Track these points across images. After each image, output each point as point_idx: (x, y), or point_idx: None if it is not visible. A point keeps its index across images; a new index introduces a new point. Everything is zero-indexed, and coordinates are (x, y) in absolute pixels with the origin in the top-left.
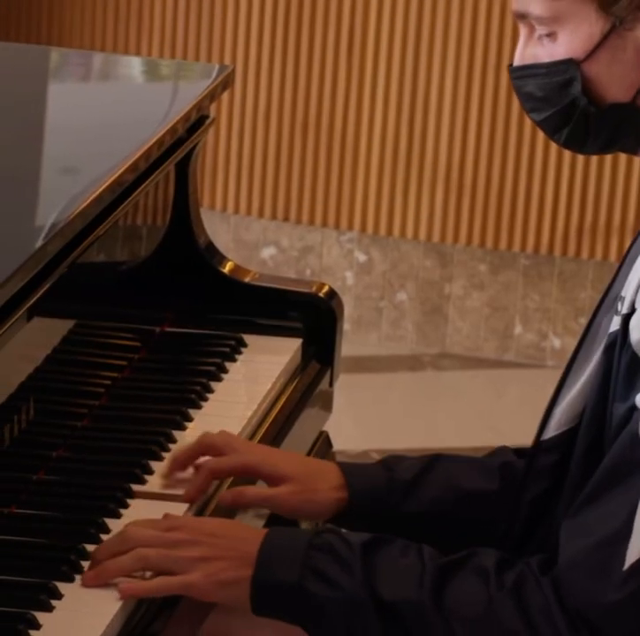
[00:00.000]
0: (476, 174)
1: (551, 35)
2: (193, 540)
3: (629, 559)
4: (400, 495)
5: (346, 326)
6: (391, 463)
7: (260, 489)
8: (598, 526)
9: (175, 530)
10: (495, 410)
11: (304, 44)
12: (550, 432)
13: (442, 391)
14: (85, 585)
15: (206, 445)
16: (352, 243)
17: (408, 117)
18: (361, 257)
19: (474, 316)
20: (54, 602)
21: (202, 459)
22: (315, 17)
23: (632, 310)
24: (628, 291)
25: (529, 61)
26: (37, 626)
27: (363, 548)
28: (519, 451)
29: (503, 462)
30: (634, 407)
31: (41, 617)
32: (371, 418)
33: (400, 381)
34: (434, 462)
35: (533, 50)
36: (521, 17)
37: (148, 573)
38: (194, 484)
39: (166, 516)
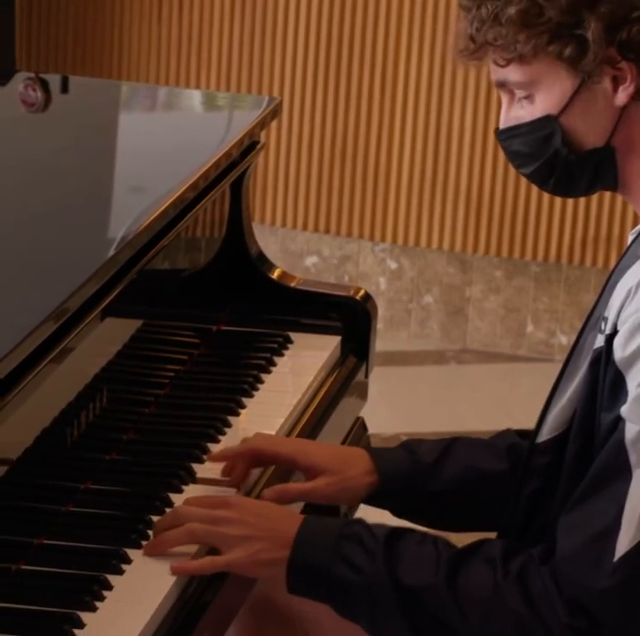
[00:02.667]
0: (492, 193)
1: (528, 97)
2: (238, 518)
3: (619, 551)
4: (424, 475)
5: (380, 325)
6: (412, 446)
7: (300, 485)
8: (590, 523)
9: (223, 508)
10: (509, 398)
11: (343, 79)
12: (543, 436)
13: (463, 382)
14: (144, 554)
15: (251, 449)
16: (384, 252)
17: (434, 143)
18: (393, 265)
19: (491, 317)
20: (124, 567)
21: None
22: (352, 58)
23: (615, 331)
24: (610, 313)
25: (512, 123)
26: (109, 587)
27: (386, 539)
28: (521, 433)
29: (510, 443)
30: (619, 417)
31: (112, 579)
32: (401, 405)
33: (426, 373)
34: (452, 445)
35: (515, 113)
36: (501, 85)
37: (195, 548)
38: (237, 470)
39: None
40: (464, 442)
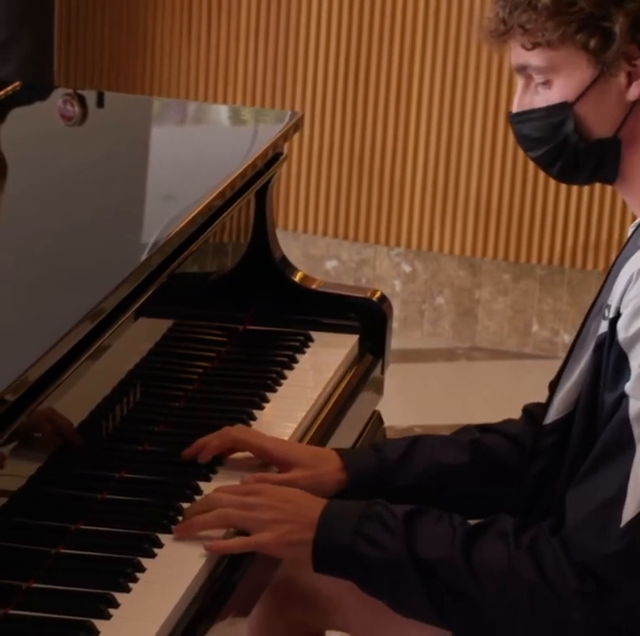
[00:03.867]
0: (500, 201)
1: (546, 83)
2: (266, 504)
3: (625, 518)
4: (389, 472)
5: (395, 325)
6: (379, 445)
7: (278, 475)
8: (597, 494)
9: (253, 495)
10: (516, 393)
11: (360, 94)
12: (550, 417)
13: (473, 378)
14: (176, 536)
15: (232, 439)
16: (399, 257)
17: (445, 154)
18: (407, 268)
19: (499, 317)
20: (156, 550)
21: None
22: (369, 74)
23: (618, 315)
24: (613, 299)
25: (526, 107)
26: (142, 569)
27: (405, 517)
28: (481, 428)
29: (471, 439)
30: (623, 394)
31: (145, 562)
32: (415, 399)
33: (438, 369)
34: (416, 442)
35: (530, 99)
36: (522, 69)
37: (223, 532)
38: (212, 445)
39: (247, 481)
40: (427, 439)
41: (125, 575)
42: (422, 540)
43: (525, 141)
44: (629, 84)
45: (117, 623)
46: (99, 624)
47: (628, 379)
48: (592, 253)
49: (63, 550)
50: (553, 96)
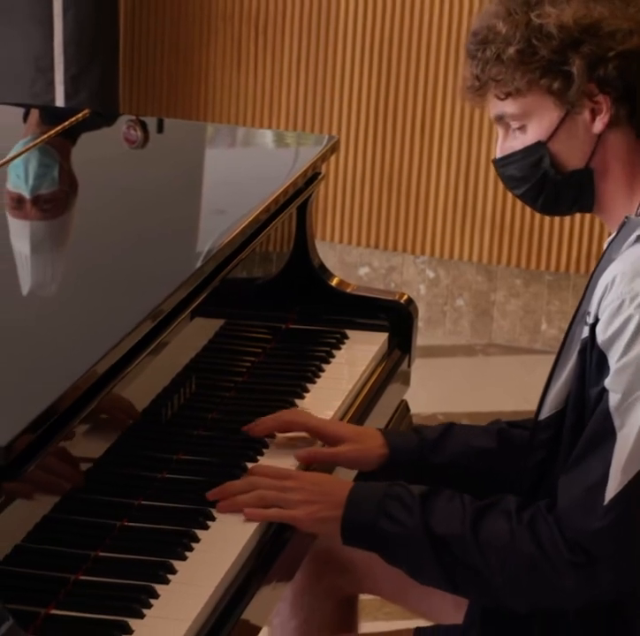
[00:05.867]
0: (513, 214)
1: (522, 128)
2: (300, 487)
3: (608, 497)
4: (427, 450)
5: (420, 324)
6: (418, 428)
7: (327, 449)
8: (584, 478)
9: (288, 479)
10: (527, 385)
11: (390, 119)
12: (544, 413)
13: (489, 371)
14: (218, 510)
15: (286, 420)
16: (424, 264)
17: (465, 173)
18: (431, 274)
19: (512, 317)
20: (209, 523)
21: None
22: (397, 101)
23: (596, 320)
24: (592, 307)
25: (508, 152)
26: (197, 540)
27: (422, 497)
28: (509, 422)
29: (499, 428)
30: (603, 389)
31: (199, 533)
32: (438, 390)
33: (458, 364)
34: (451, 427)
35: (510, 144)
36: (499, 118)
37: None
38: (268, 424)
39: (299, 455)
40: (461, 426)
41: (181, 545)
42: (437, 517)
43: (510, 181)
44: (593, 119)
45: (175, 587)
46: (159, 588)
47: (607, 375)
48: (595, 260)
49: (127, 523)
50: (529, 138)
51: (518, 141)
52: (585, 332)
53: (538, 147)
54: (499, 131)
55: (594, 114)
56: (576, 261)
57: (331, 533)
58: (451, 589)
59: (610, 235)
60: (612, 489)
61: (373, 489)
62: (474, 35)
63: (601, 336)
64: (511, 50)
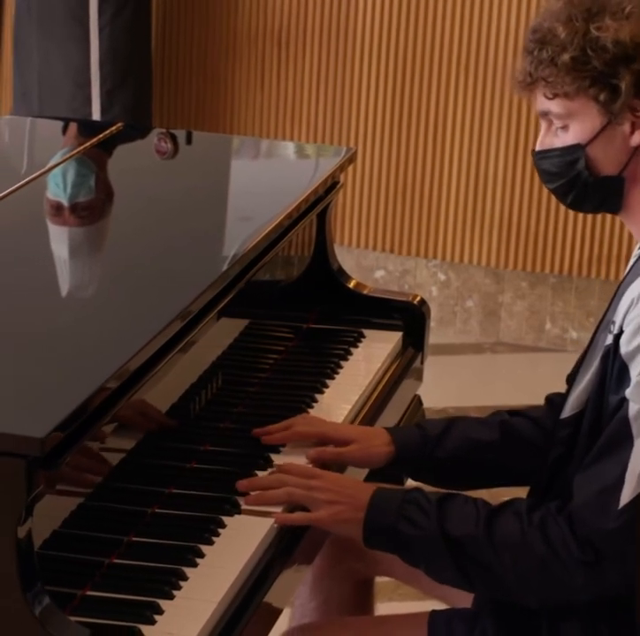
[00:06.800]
0: (519, 221)
1: (564, 127)
2: (325, 487)
3: (622, 501)
4: (430, 445)
5: (432, 324)
6: (422, 423)
7: (335, 448)
8: (600, 479)
9: (314, 478)
10: (532, 381)
11: (404, 131)
12: (566, 413)
13: (497, 368)
14: (246, 503)
15: (297, 433)
16: (436, 267)
17: (474, 181)
18: (442, 277)
19: (518, 317)
20: (234, 510)
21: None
22: (411, 113)
23: (621, 331)
24: (617, 318)
25: (547, 147)
26: (223, 526)
27: (438, 501)
28: (510, 412)
29: (501, 420)
30: (624, 398)
31: (226, 520)
32: (449, 386)
33: (468, 361)
34: (453, 421)
35: (550, 140)
36: (544, 114)
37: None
38: (277, 437)
39: (310, 455)
40: (463, 419)
41: (209, 531)
42: (452, 520)
43: (544, 175)
44: (633, 132)
45: (202, 570)
46: (188, 571)
47: (628, 385)
48: (596, 264)
49: (158, 510)
50: (569, 139)
51: (558, 139)
52: (609, 340)
53: (576, 149)
54: (543, 125)
55: (634, 127)
56: (578, 265)
57: (351, 533)
58: (466, 587)
59: (637, 244)
60: (627, 494)
61: (394, 494)
62: (533, 32)
63: (625, 347)
64: (565, 56)
